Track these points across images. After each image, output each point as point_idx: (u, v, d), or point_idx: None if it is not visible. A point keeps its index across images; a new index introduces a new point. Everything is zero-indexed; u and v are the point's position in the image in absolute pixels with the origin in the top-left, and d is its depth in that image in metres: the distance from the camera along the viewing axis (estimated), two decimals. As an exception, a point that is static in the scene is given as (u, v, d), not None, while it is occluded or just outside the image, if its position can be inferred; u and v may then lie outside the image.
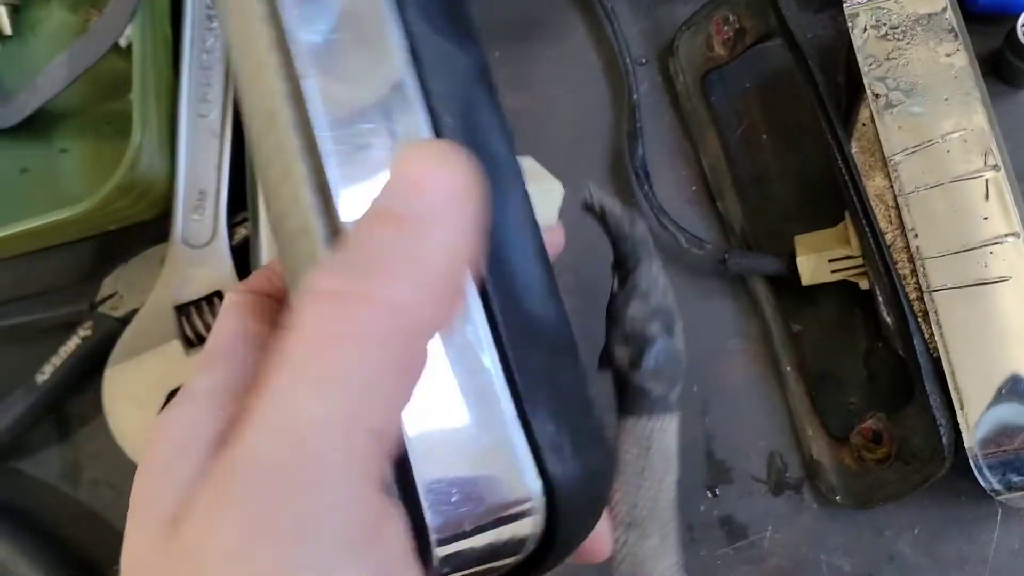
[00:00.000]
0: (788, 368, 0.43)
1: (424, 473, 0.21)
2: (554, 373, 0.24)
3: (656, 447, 0.32)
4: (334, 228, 0.21)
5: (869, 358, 0.42)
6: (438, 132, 0.23)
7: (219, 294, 0.49)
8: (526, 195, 0.25)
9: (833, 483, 0.41)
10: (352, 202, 0.21)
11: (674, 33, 0.47)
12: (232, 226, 0.51)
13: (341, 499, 0.18)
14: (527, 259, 0.24)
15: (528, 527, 0.23)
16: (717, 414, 0.44)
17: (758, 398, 0.44)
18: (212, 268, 0.50)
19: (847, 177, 0.39)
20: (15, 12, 0.57)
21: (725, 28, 0.45)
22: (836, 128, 0.40)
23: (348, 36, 0.23)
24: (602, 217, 0.31)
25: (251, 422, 0.18)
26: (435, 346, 0.21)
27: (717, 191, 0.45)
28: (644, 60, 0.48)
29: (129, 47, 0.52)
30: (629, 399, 0.31)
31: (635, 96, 0.47)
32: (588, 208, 0.31)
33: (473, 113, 0.24)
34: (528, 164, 0.29)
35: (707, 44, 0.46)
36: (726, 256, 0.43)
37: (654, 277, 0.32)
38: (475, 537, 0.22)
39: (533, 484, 0.22)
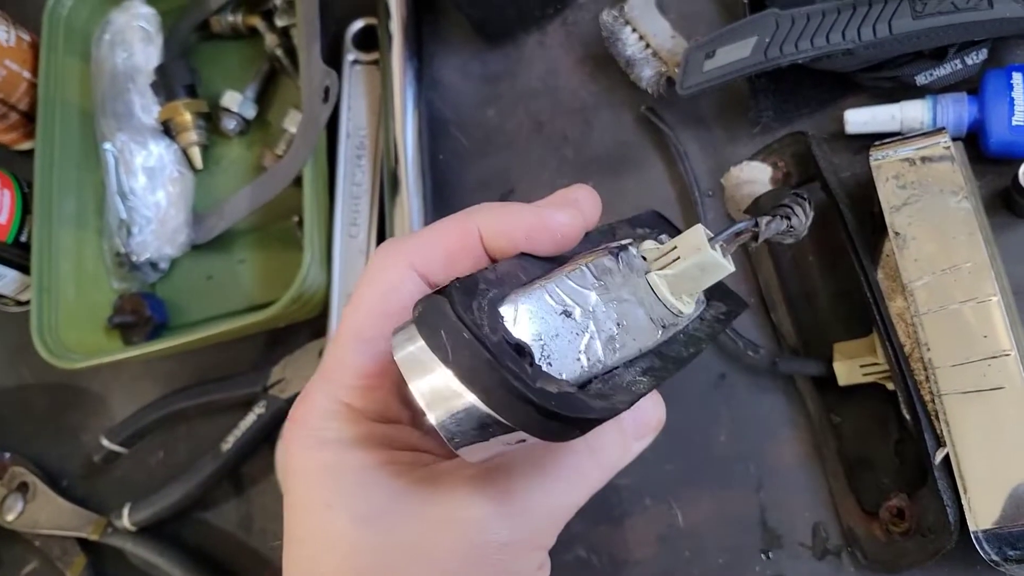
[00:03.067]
0: (829, 452, 0.52)
1: None
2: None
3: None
4: None
5: (899, 446, 0.50)
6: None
7: (365, 382, 0.61)
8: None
9: (866, 551, 0.49)
10: None
11: (735, 172, 0.57)
12: (375, 325, 0.62)
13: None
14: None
15: None
16: (770, 490, 0.53)
17: (804, 477, 0.52)
18: (360, 360, 0.61)
19: (872, 301, 0.49)
20: (205, 150, 0.71)
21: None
22: (863, 261, 0.49)
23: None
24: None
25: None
26: None
27: (771, 304, 0.55)
28: (711, 193, 0.58)
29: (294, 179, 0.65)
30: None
31: (703, 223, 0.57)
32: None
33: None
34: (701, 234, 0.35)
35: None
36: (776, 360, 0.52)
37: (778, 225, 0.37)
38: None
39: None
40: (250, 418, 0.62)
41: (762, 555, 0.52)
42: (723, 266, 0.35)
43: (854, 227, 0.50)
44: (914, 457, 0.49)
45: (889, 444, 0.51)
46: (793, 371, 0.52)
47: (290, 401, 0.62)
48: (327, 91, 0.60)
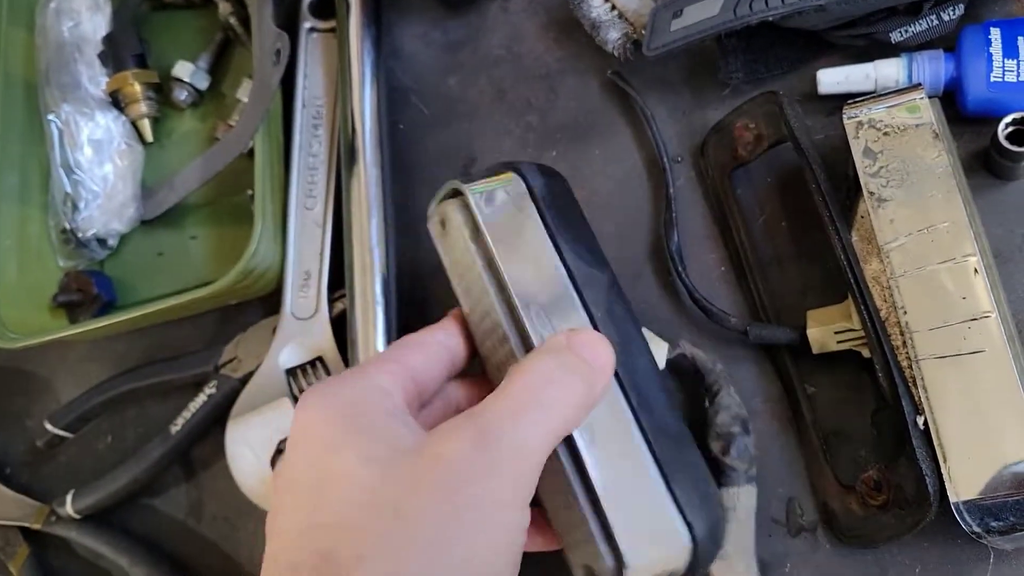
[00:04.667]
0: (804, 424, 0.49)
1: (619, 534, 0.38)
2: (682, 458, 0.42)
3: (741, 505, 0.47)
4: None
5: (875, 416, 0.48)
6: (593, 323, 0.42)
7: (321, 359, 0.58)
8: (648, 351, 0.45)
9: (843, 525, 0.47)
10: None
11: (704, 136, 0.55)
12: (331, 301, 0.59)
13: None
14: (655, 390, 0.43)
15: (683, 558, 0.40)
16: (743, 465, 0.50)
17: (778, 450, 0.50)
18: (315, 337, 0.59)
19: (846, 264, 0.46)
20: (156, 123, 0.68)
21: (746, 133, 0.52)
22: (837, 223, 0.47)
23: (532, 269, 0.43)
24: (693, 362, 0.49)
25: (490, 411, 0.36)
26: (613, 453, 0.40)
27: (742, 271, 0.53)
28: (680, 159, 0.56)
29: (247, 151, 0.62)
30: (723, 475, 0.47)
31: (671, 190, 0.55)
32: (684, 357, 0.50)
33: (613, 309, 0.43)
34: (645, 332, 0.47)
35: (732, 146, 0.53)
36: (748, 328, 0.50)
37: (732, 397, 0.49)
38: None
39: (683, 531, 0.40)
40: (200, 399, 0.59)
41: (734, 533, 0.50)
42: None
43: (827, 189, 0.48)
44: (891, 427, 0.47)
45: (865, 415, 0.49)
46: (765, 340, 0.50)
47: (243, 380, 0.59)
48: (278, 53, 0.58)
